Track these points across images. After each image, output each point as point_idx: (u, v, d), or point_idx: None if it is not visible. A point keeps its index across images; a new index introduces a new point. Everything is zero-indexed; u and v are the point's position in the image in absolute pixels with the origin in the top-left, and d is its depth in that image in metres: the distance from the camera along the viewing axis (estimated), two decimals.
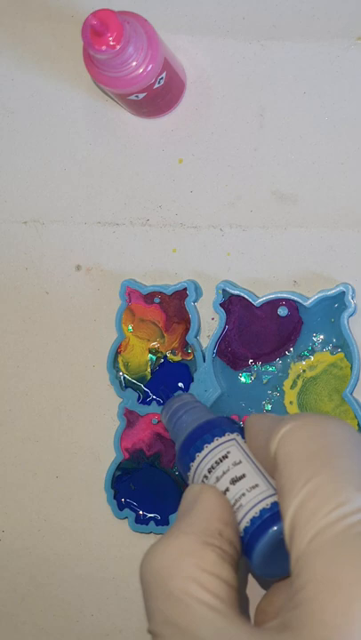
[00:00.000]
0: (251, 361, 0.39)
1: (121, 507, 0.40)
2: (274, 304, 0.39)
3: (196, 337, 0.40)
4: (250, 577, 0.38)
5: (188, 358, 0.40)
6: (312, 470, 0.27)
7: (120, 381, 0.40)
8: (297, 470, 0.28)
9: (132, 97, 0.37)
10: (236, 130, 0.40)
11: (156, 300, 0.40)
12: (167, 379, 0.40)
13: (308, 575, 0.26)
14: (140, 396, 0.40)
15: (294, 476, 0.28)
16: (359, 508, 0.26)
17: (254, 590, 0.38)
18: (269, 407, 0.39)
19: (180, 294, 0.40)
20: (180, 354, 0.40)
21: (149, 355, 0.40)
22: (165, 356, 0.40)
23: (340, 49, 0.39)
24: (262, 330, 0.39)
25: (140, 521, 0.40)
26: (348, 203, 0.40)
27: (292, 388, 0.39)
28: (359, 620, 0.24)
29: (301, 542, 0.26)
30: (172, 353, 0.40)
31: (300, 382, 0.39)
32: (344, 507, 0.26)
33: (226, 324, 0.39)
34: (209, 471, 0.32)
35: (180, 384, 0.40)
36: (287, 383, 0.39)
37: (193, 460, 0.33)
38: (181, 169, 0.41)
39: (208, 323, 0.40)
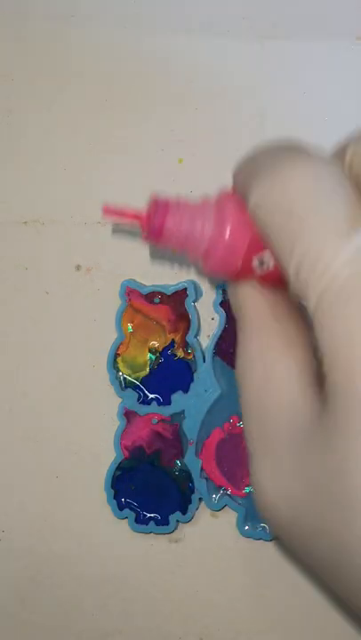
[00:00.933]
0: None
1: (121, 507, 0.40)
2: None
3: (196, 337, 0.40)
4: None
5: (189, 358, 0.40)
6: (290, 240, 0.25)
7: (120, 381, 0.40)
8: (277, 245, 0.25)
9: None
10: (236, 130, 0.40)
11: (156, 299, 0.40)
12: (167, 378, 0.40)
13: (329, 359, 0.23)
14: (139, 395, 0.40)
15: (277, 249, 0.25)
16: (347, 260, 0.23)
17: None
18: None
19: (180, 294, 0.40)
20: (180, 350, 0.40)
21: (149, 354, 0.40)
22: (166, 354, 0.40)
23: (340, 49, 0.40)
24: None
25: (140, 521, 0.40)
26: None
27: None
28: None
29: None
30: (172, 346, 0.40)
31: None
32: (335, 262, 0.23)
33: (226, 324, 0.39)
34: None
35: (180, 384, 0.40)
36: None
37: None
38: (181, 169, 0.41)
39: (208, 323, 0.40)
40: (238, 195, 0.29)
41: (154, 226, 0.30)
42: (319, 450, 0.23)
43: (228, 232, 0.29)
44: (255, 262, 0.29)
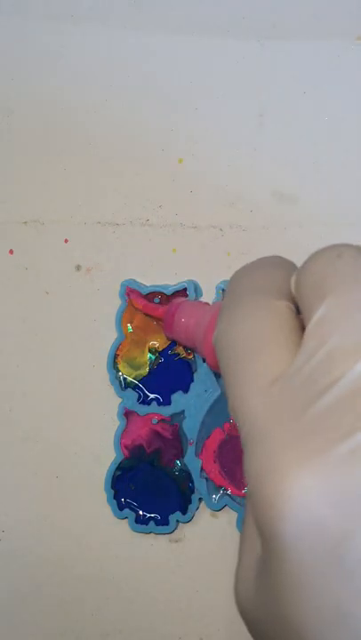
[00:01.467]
0: None
1: (121, 507, 0.40)
2: None
3: None
4: None
5: (189, 357, 0.40)
6: (226, 381, 0.27)
7: (120, 381, 0.40)
8: (223, 378, 0.27)
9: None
10: (236, 130, 0.40)
11: (156, 300, 0.40)
12: (167, 378, 0.40)
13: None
14: (139, 395, 0.40)
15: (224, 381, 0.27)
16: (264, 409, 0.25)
17: None
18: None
19: (180, 294, 0.40)
20: (181, 348, 0.40)
21: (149, 354, 0.40)
22: (166, 354, 0.40)
23: (340, 49, 0.40)
24: None
25: (140, 521, 0.40)
26: (348, 203, 0.40)
27: None
28: None
29: None
30: (173, 345, 0.40)
31: None
32: (255, 410, 0.25)
33: None
34: None
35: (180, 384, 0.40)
36: None
37: None
38: (181, 169, 0.41)
39: None
40: None
41: (167, 319, 0.37)
42: (265, 572, 0.25)
43: (207, 340, 0.34)
44: None
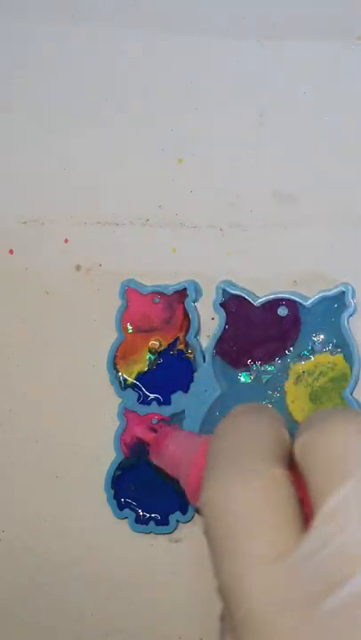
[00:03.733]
0: (250, 360, 0.39)
1: (121, 507, 0.40)
2: (274, 304, 0.39)
3: (196, 337, 0.40)
4: None
5: (189, 357, 0.40)
6: (218, 556, 0.25)
7: (120, 381, 0.40)
8: (212, 548, 0.26)
9: None
10: (236, 130, 0.40)
11: (156, 299, 0.40)
12: (167, 378, 0.40)
13: None
14: (139, 395, 0.40)
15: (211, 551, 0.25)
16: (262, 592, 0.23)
17: None
18: (277, 411, 0.39)
19: (180, 294, 0.40)
20: (182, 345, 0.40)
21: (149, 354, 0.40)
22: (166, 354, 0.40)
23: (341, 49, 0.39)
24: (262, 329, 0.39)
25: (140, 521, 0.40)
26: (348, 203, 0.40)
27: (295, 384, 0.39)
28: None
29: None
30: (175, 342, 0.40)
31: (301, 382, 0.39)
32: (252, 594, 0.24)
33: (226, 324, 0.39)
34: None
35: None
36: (289, 383, 0.39)
37: None
38: (181, 169, 0.41)
39: (208, 323, 0.40)
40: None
41: (154, 447, 0.36)
42: None
43: (191, 474, 0.32)
44: None
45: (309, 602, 0.22)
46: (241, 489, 0.24)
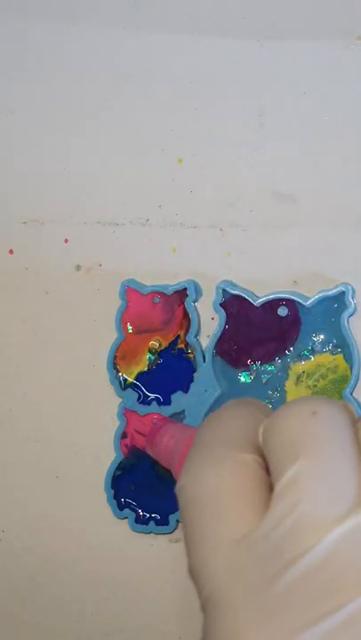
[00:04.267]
0: (250, 360, 0.39)
1: (121, 507, 0.40)
2: (274, 304, 0.39)
3: (196, 337, 0.40)
4: None
5: (190, 357, 0.40)
6: (188, 538, 0.25)
7: (120, 381, 0.40)
8: (184, 530, 0.26)
9: None
10: (236, 130, 0.40)
11: (156, 299, 0.40)
12: (167, 378, 0.40)
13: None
14: (139, 395, 0.40)
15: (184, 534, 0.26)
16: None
17: None
18: (270, 407, 0.39)
19: (180, 294, 0.40)
20: (183, 344, 0.40)
21: (149, 354, 0.40)
22: (166, 354, 0.40)
23: (340, 49, 0.40)
24: (262, 329, 0.39)
25: (140, 521, 0.40)
26: (348, 203, 0.40)
27: (296, 384, 0.39)
28: None
29: None
30: (176, 340, 0.40)
31: (301, 382, 0.39)
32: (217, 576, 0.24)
33: (226, 324, 0.39)
34: None
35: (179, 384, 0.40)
36: (289, 383, 0.39)
37: None
38: (181, 169, 0.41)
39: (208, 323, 0.40)
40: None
41: (149, 437, 0.37)
42: None
43: (179, 464, 0.32)
44: None
45: (268, 579, 0.22)
46: (210, 474, 0.25)
